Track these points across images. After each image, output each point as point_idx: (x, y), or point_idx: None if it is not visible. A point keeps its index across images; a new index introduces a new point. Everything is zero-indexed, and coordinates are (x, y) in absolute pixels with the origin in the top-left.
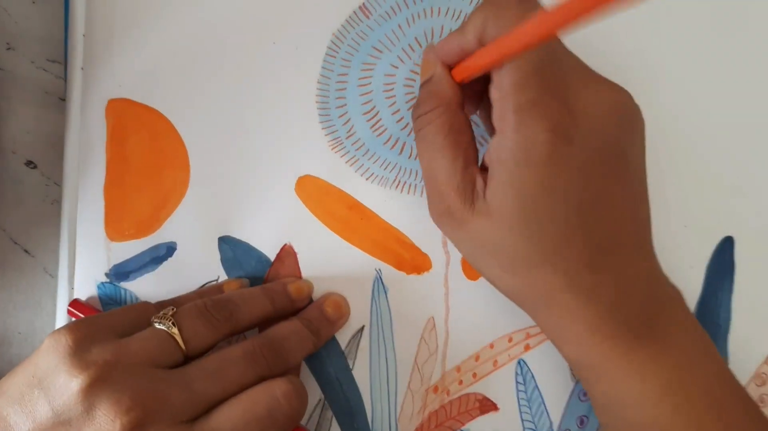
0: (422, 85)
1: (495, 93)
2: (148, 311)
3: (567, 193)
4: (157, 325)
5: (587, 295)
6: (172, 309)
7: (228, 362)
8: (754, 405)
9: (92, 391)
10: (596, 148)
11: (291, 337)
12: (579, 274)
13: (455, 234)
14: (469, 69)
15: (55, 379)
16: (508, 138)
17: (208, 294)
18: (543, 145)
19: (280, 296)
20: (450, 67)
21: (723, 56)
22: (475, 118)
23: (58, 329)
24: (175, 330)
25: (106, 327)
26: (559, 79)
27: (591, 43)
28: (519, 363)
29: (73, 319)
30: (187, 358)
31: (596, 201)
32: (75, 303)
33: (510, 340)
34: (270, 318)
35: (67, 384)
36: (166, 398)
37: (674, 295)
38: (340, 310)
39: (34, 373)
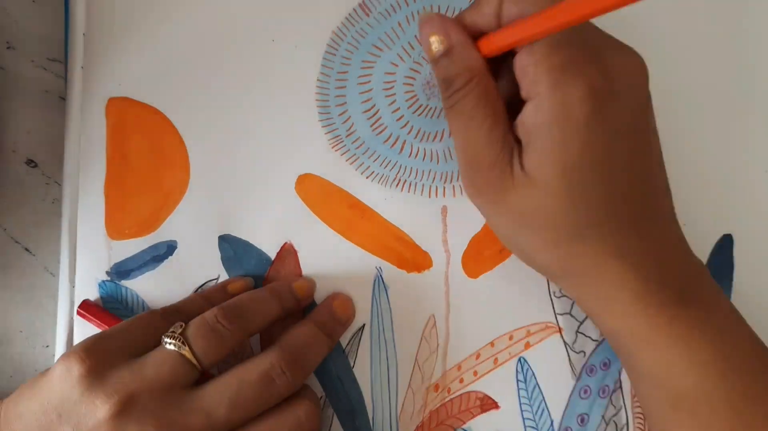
0: (441, 58)
1: (526, 58)
2: (155, 323)
3: (610, 154)
4: (167, 346)
5: (634, 261)
6: (181, 325)
7: (246, 386)
8: None
9: (118, 421)
10: (632, 108)
11: (310, 344)
12: (626, 240)
13: (494, 209)
14: (499, 42)
15: (76, 409)
16: (544, 101)
17: (213, 296)
18: (583, 104)
19: (287, 296)
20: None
21: (724, 55)
22: None
23: (68, 356)
24: (186, 351)
25: (117, 350)
26: (589, 41)
27: None
28: (519, 361)
29: (83, 319)
30: (204, 370)
31: (635, 164)
32: (85, 305)
33: (510, 338)
34: (278, 319)
35: (93, 414)
36: (187, 426)
37: (702, 266)
38: (348, 310)
39: (49, 401)
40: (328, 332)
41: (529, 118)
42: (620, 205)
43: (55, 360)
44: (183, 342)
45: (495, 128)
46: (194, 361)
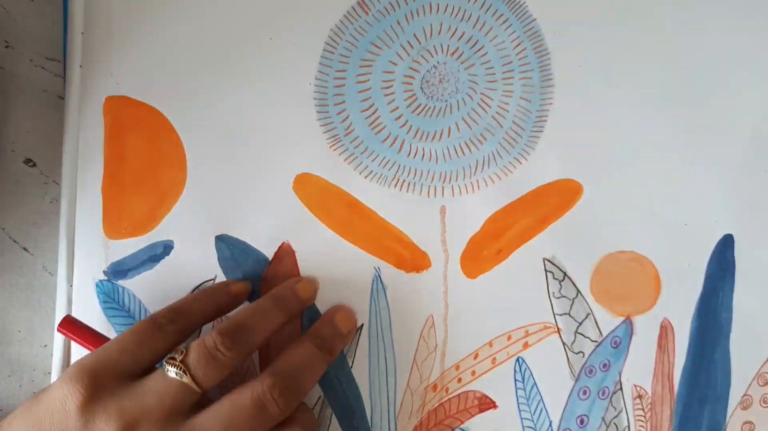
0: None
1: None
2: (154, 335)
3: None
4: (169, 373)
5: None
6: (182, 352)
7: (239, 412)
8: None
9: None
10: None
11: (306, 367)
12: None
13: None
14: None
15: None
16: None
17: (215, 296)
18: None
19: (291, 303)
20: None
21: (723, 55)
22: (474, 116)
23: (68, 380)
24: (187, 379)
25: (117, 372)
26: None
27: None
28: (518, 361)
29: (69, 338)
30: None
31: None
32: (66, 323)
33: (509, 338)
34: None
35: None
36: None
37: None
38: (351, 323)
39: None
40: (328, 347)
41: None
42: None
43: (54, 362)
44: (184, 371)
45: None
46: (196, 388)
